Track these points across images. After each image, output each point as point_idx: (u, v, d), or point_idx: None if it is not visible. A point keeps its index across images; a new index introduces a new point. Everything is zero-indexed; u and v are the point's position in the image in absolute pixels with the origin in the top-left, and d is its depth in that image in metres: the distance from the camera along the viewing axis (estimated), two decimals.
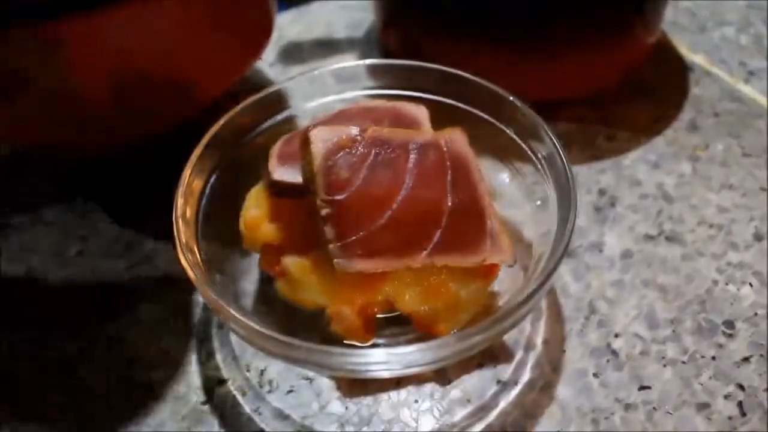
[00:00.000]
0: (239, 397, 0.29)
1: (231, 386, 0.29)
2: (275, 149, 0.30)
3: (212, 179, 0.30)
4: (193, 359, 0.30)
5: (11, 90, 0.28)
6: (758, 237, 0.34)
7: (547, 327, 0.31)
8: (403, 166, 0.27)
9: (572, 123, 0.40)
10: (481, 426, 0.28)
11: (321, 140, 0.27)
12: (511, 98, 0.31)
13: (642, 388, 0.29)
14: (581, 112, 0.41)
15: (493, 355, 0.30)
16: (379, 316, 0.28)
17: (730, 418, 0.28)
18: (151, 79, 0.30)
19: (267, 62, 0.45)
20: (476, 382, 0.29)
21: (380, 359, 0.25)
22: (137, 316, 0.32)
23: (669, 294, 0.32)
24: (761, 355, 0.30)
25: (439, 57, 0.33)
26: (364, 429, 0.28)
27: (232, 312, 0.25)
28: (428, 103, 0.32)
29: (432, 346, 0.24)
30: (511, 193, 0.33)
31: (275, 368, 0.30)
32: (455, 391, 0.29)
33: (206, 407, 0.29)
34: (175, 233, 0.27)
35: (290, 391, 0.29)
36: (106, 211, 0.37)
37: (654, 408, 0.28)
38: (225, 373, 0.30)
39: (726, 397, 0.28)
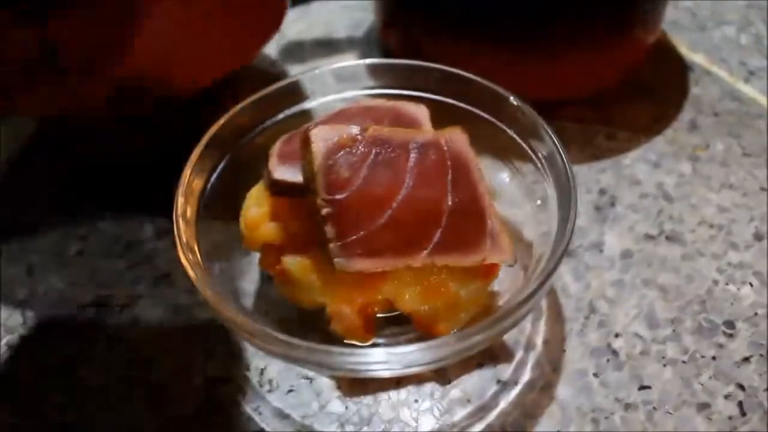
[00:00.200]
0: (239, 397, 0.29)
1: (231, 386, 0.29)
2: (275, 148, 0.30)
3: (212, 179, 0.30)
4: (193, 358, 0.30)
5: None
6: (758, 237, 0.34)
7: (547, 327, 0.31)
8: (404, 166, 0.27)
9: (572, 122, 0.40)
10: (481, 426, 0.28)
11: (321, 139, 0.27)
12: (512, 98, 0.31)
13: (642, 387, 0.29)
14: (581, 111, 0.41)
15: (493, 354, 0.30)
16: (379, 315, 0.28)
17: (730, 418, 0.28)
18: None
19: (267, 61, 0.45)
20: (476, 382, 0.29)
21: (380, 359, 0.25)
22: (137, 316, 0.32)
23: (669, 294, 0.32)
24: (761, 355, 0.30)
25: (439, 57, 0.33)
26: (364, 429, 0.28)
27: (233, 311, 0.25)
28: (428, 102, 0.32)
29: (432, 346, 0.24)
30: (512, 192, 0.33)
31: (275, 368, 0.30)
32: (455, 390, 0.29)
33: (206, 407, 0.29)
34: (176, 233, 0.27)
35: (290, 391, 0.29)
36: (106, 211, 0.37)
37: (654, 408, 0.28)
38: (225, 372, 0.30)
39: (726, 397, 0.28)
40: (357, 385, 0.29)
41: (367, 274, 0.26)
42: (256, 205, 0.29)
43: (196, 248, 0.28)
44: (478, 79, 0.32)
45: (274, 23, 0.39)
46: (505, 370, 0.29)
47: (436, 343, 0.24)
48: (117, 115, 0.35)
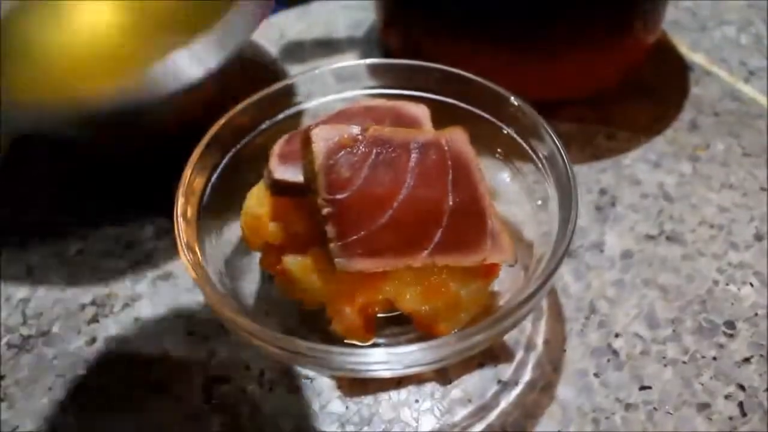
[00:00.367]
0: (239, 396, 0.29)
1: (231, 385, 0.29)
2: (276, 148, 0.30)
3: (213, 178, 0.30)
4: (193, 358, 0.30)
5: None
6: (758, 237, 0.34)
7: (547, 327, 0.31)
8: (404, 166, 0.27)
9: (572, 122, 0.40)
10: (481, 426, 0.28)
11: (322, 139, 0.27)
12: (512, 97, 0.31)
13: (642, 388, 0.29)
14: (581, 111, 0.41)
15: (494, 354, 0.30)
16: (379, 315, 0.28)
17: (730, 418, 0.28)
18: None
19: (267, 61, 0.45)
20: (477, 382, 0.29)
21: (381, 359, 0.25)
22: (138, 316, 0.32)
23: (669, 294, 0.32)
24: (761, 356, 0.30)
25: (440, 57, 0.33)
26: (365, 429, 0.28)
27: (233, 311, 0.25)
28: (429, 102, 0.32)
29: (432, 346, 0.24)
30: (512, 192, 0.33)
31: (275, 367, 0.30)
32: (456, 390, 0.29)
33: (206, 406, 0.29)
34: (176, 232, 0.27)
35: (291, 391, 0.29)
36: (106, 210, 0.37)
37: (654, 408, 0.28)
38: (225, 372, 0.30)
39: (726, 397, 0.28)
40: (357, 385, 0.29)
41: (367, 274, 0.26)
42: (256, 205, 0.29)
43: (196, 248, 0.28)
44: (479, 79, 0.32)
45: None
46: (506, 370, 0.29)
47: (437, 343, 0.24)
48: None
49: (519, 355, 0.30)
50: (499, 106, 0.32)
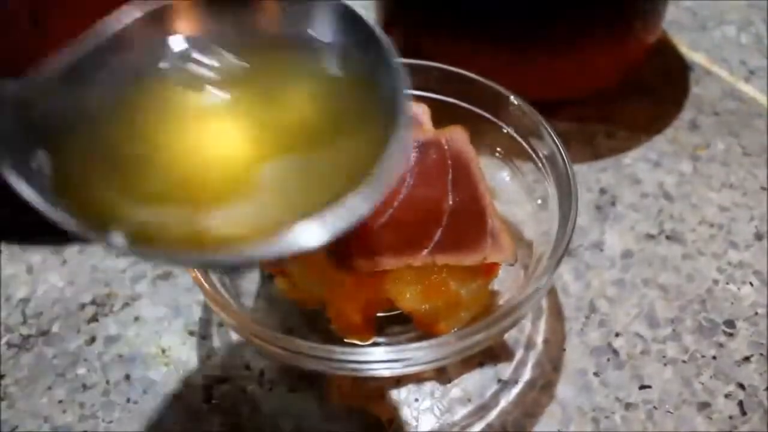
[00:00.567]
0: (239, 396, 0.29)
1: (231, 385, 0.29)
2: None
3: None
4: (193, 358, 0.30)
5: None
6: (758, 236, 0.34)
7: (547, 326, 0.31)
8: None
9: (572, 122, 0.40)
10: (481, 425, 0.28)
11: None
12: (512, 97, 0.31)
13: (642, 387, 0.29)
14: (581, 110, 0.41)
15: (494, 354, 0.30)
16: (379, 314, 0.28)
17: (730, 417, 0.28)
18: None
19: None
20: (477, 381, 0.29)
21: (381, 358, 0.25)
22: (137, 315, 0.32)
23: (669, 293, 0.32)
24: (761, 355, 0.30)
25: (440, 57, 0.33)
26: (365, 428, 0.28)
27: (233, 310, 0.25)
28: (429, 101, 0.32)
29: (432, 345, 0.24)
30: (512, 191, 0.33)
31: (275, 367, 0.30)
32: (456, 389, 0.29)
33: (206, 406, 0.29)
34: None
35: (291, 390, 0.29)
36: None
37: (654, 407, 0.28)
38: (225, 371, 0.30)
39: (726, 396, 0.28)
40: (357, 385, 0.29)
41: (367, 274, 0.26)
42: None
43: None
44: (479, 78, 0.32)
45: None
46: (506, 369, 0.29)
47: (437, 342, 0.25)
48: None
49: (519, 354, 0.30)
50: (499, 106, 0.32)
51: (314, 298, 0.28)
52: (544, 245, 0.28)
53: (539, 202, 0.31)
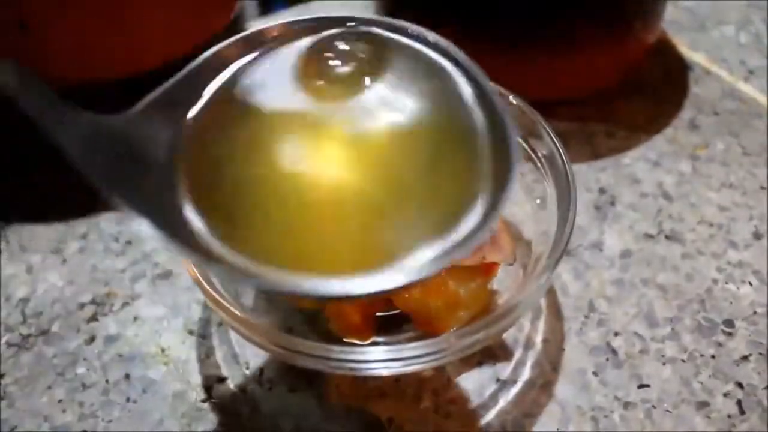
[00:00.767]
0: (238, 395, 0.29)
1: (230, 384, 0.29)
2: None
3: None
4: (192, 357, 0.30)
5: None
6: (758, 236, 0.34)
7: (546, 326, 0.31)
8: None
9: (571, 121, 0.40)
10: (480, 424, 0.28)
11: None
12: (511, 96, 0.31)
13: (641, 386, 0.29)
14: (581, 110, 0.41)
15: (493, 353, 0.30)
16: (378, 314, 0.28)
17: (729, 416, 0.28)
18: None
19: None
20: (475, 381, 0.29)
21: (380, 357, 0.25)
22: (137, 314, 0.32)
23: (668, 293, 0.32)
24: (760, 354, 0.30)
25: None
26: (365, 427, 0.28)
27: (232, 310, 0.25)
28: None
29: (431, 344, 0.24)
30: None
31: (275, 366, 0.30)
32: (454, 389, 0.29)
33: (205, 405, 0.29)
34: None
35: (291, 390, 0.29)
36: (106, 209, 0.37)
37: (653, 406, 0.28)
38: (224, 371, 0.30)
39: (725, 395, 0.28)
40: (357, 384, 0.29)
41: None
42: None
43: None
44: None
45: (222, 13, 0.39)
46: (505, 369, 0.29)
47: (436, 341, 0.25)
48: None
49: (518, 353, 0.30)
50: None
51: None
52: (543, 245, 0.28)
53: (538, 201, 0.31)
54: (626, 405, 0.28)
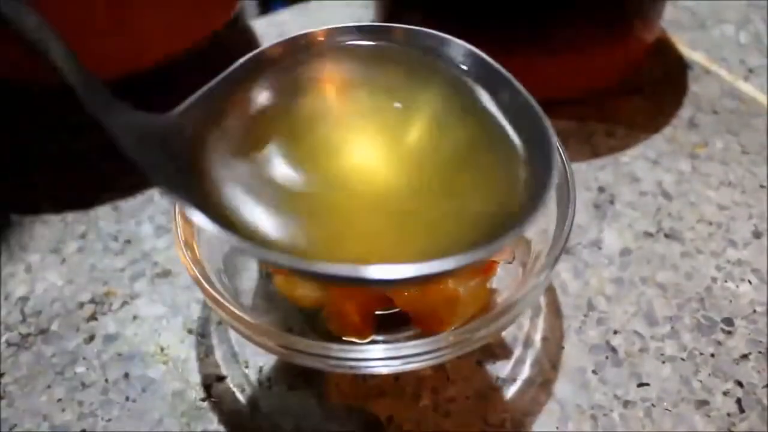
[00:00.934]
0: (238, 394, 0.29)
1: (230, 383, 0.29)
2: None
3: None
4: (191, 356, 0.30)
5: None
6: (757, 234, 0.34)
7: (545, 324, 0.31)
8: None
9: (571, 120, 0.40)
10: (479, 423, 0.28)
11: None
12: None
13: (641, 385, 0.29)
14: (580, 109, 0.41)
15: (492, 351, 0.30)
16: (377, 312, 0.28)
17: (728, 414, 0.28)
18: None
19: None
20: (475, 379, 0.29)
21: (379, 355, 0.25)
22: (136, 313, 0.32)
23: (668, 291, 0.32)
24: (760, 352, 0.30)
25: None
26: (364, 426, 0.28)
27: (232, 309, 0.25)
28: None
29: (430, 343, 0.24)
30: None
31: (274, 365, 0.30)
32: (454, 387, 0.29)
33: (205, 404, 0.29)
34: (174, 230, 0.27)
35: (290, 389, 0.29)
36: (105, 208, 0.37)
37: (653, 405, 0.28)
38: (224, 369, 0.30)
39: (725, 393, 0.28)
40: (357, 383, 0.29)
41: None
42: None
43: (194, 245, 0.28)
44: None
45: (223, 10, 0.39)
46: (504, 367, 0.29)
47: (435, 339, 0.24)
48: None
49: (517, 352, 0.30)
50: None
51: (312, 296, 0.28)
52: (542, 243, 0.28)
53: None
54: (626, 403, 0.28)
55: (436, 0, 0.38)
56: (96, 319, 0.32)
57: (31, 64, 0.23)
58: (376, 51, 0.26)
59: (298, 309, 0.30)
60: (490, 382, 0.29)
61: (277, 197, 0.22)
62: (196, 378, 0.30)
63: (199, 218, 0.19)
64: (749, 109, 0.41)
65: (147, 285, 0.33)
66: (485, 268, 0.28)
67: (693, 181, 0.37)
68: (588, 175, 0.38)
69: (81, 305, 0.32)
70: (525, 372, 0.29)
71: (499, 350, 0.30)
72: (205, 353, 0.30)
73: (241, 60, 0.24)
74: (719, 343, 0.30)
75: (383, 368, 0.26)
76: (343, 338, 0.28)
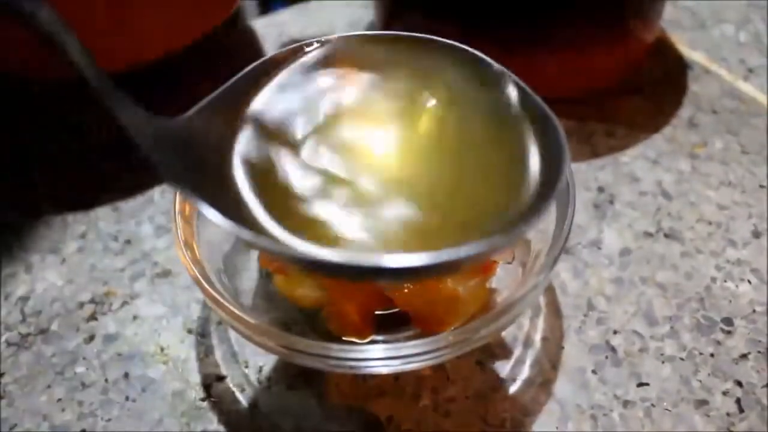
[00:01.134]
0: (238, 394, 0.29)
1: (229, 383, 0.29)
2: None
3: None
4: (191, 356, 0.30)
5: None
6: (757, 234, 0.34)
7: (545, 324, 0.31)
8: None
9: (571, 120, 0.40)
10: (479, 423, 0.28)
11: None
12: None
13: (640, 384, 0.29)
14: (580, 109, 0.41)
15: (492, 351, 0.30)
16: (377, 312, 0.28)
17: (728, 414, 0.28)
18: None
19: None
20: (475, 379, 0.29)
21: (379, 355, 0.25)
22: (136, 313, 0.32)
23: (667, 291, 0.32)
24: (759, 352, 0.30)
25: None
26: (364, 426, 0.28)
27: (231, 308, 0.25)
28: None
29: (430, 342, 0.24)
30: None
31: (274, 365, 0.30)
32: (453, 387, 0.29)
33: (204, 404, 0.29)
34: (174, 230, 0.27)
35: (290, 388, 0.29)
36: (105, 208, 0.37)
37: (652, 405, 0.28)
38: (223, 369, 0.30)
39: (724, 393, 0.28)
40: (356, 383, 0.29)
41: None
42: None
43: (194, 246, 0.28)
44: None
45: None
46: (504, 367, 0.29)
47: (434, 339, 0.25)
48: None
49: (517, 352, 0.30)
50: None
51: (312, 296, 0.28)
52: (541, 243, 0.28)
53: None
54: (625, 403, 0.28)
55: (436, 0, 0.38)
56: (96, 319, 0.32)
57: (39, 59, 0.23)
58: (388, 51, 0.27)
59: (298, 309, 0.30)
60: (490, 382, 0.29)
61: (292, 194, 0.23)
62: (195, 378, 0.30)
63: (211, 214, 0.19)
64: (749, 109, 0.41)
65: (147, 285, 0.33)
66: (485, 268, 0.28)
67: (693, 180, 0.37)
68: (588, 174, 0.38)
69: (81, 305, 0.32)
70: (525, 372, 0.29)
71: (499, 350, 0.30)
72: (204, 353, 0.30)
73: (251, 65, 0.25)
74: (719, 342, 0.30)
75: (383, 368, 0.26)
76: (343, 338, 0.28)
